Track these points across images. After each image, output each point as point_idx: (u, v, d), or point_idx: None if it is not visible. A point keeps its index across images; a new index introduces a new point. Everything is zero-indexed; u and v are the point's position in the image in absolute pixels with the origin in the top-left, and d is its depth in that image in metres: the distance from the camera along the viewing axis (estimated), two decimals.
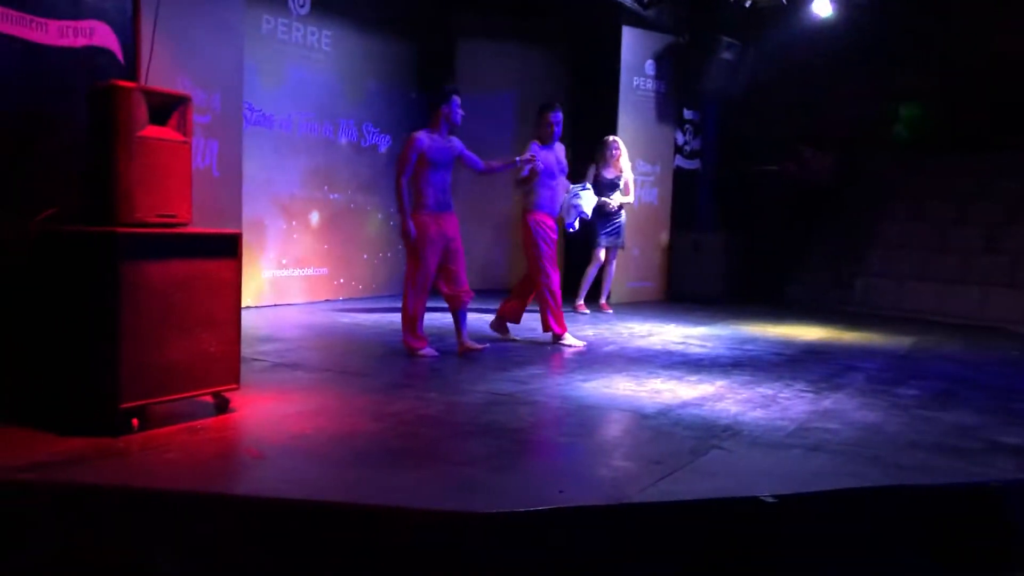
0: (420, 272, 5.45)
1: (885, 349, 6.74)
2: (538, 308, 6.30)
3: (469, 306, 5.75)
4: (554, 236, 6.32)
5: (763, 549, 3.00)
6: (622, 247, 8.51)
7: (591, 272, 8.44)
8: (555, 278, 6.23)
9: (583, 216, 6.99)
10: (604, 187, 8.24)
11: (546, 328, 6.30)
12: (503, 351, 6.04)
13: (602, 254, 8.37)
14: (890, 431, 4.06)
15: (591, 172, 8.31)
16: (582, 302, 8.43)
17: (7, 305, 3.79)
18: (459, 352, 5.69)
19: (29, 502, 2.89)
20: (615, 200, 8.25)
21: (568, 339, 6.27)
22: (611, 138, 8.42)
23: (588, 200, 6.96)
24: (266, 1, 7.62)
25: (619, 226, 8.38)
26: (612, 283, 8.78)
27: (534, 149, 6.25)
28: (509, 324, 6.56)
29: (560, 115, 6.38)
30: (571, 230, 6.96)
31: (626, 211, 8.51)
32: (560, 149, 6.51)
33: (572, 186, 6.90)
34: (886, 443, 3.83)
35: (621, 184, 8.34)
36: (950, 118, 10.18)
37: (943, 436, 4.00)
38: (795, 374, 5.42)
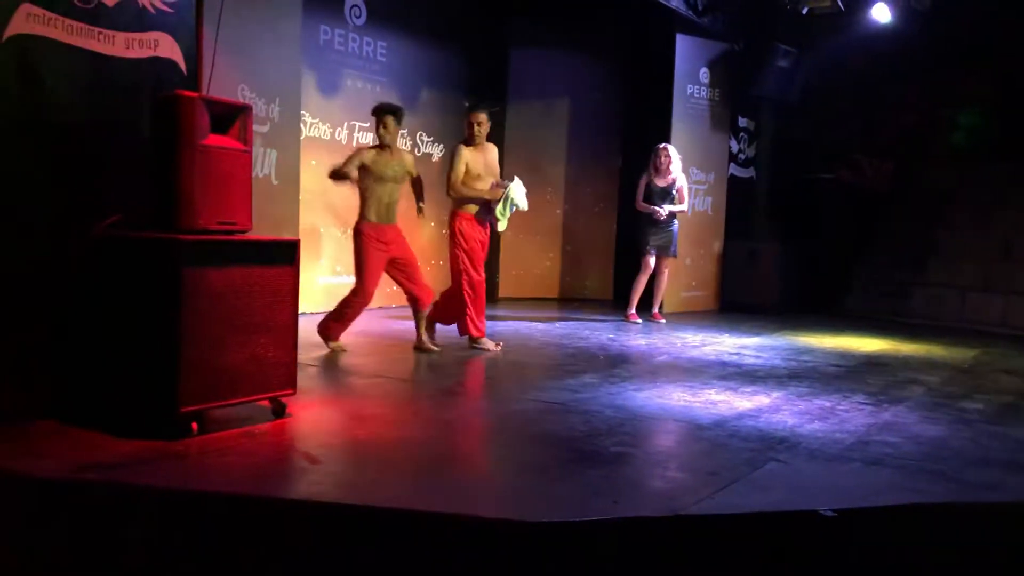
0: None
1: (947, 361, 6.58)
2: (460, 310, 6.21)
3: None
4: (481, 238, 6.15)
5: (822, 565, 2.94)
6: (673, 256, 8.41)
7: (641, 281, 8.38)
8: (476, 280, 6.10)
9: (519, 208, 6.31)
10: (655, 196, 8.19)
11: (463, 331, 6.21)
12: (555, 359, 6.03)
13: (651, 262, 8.29)
14: (955, 446, 3.95)
15: (642, 181, 8.27)
16: (634, 311, 8.37)
17: (73, 308, 3.88)
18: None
19: (90, 501, 2.95)
20: (664, 209, 8.17)
21: (484, 343, 6.19)
22: (661, 145, 8.35)
23: (519, 192, 6.28)
24: (324, 12, 7.73)
25: (670, 235, 8.29)
26: (665, 293, 8.71)
27: (465, 153, 6.00)
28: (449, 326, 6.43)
29: (484, 115, 6.07)
30: (500, 229, 6.38)
31: (680, 220, 8.43)
32: (489, 150, 6.21)
33: (503, 181, 6.31)
34: (951, 458, 3.73)
35: (674, 192, 8.27)
36: (1010, 126, 9.91)
37: (1012, 452, 3.89)
38: (853, 386, 5.31)
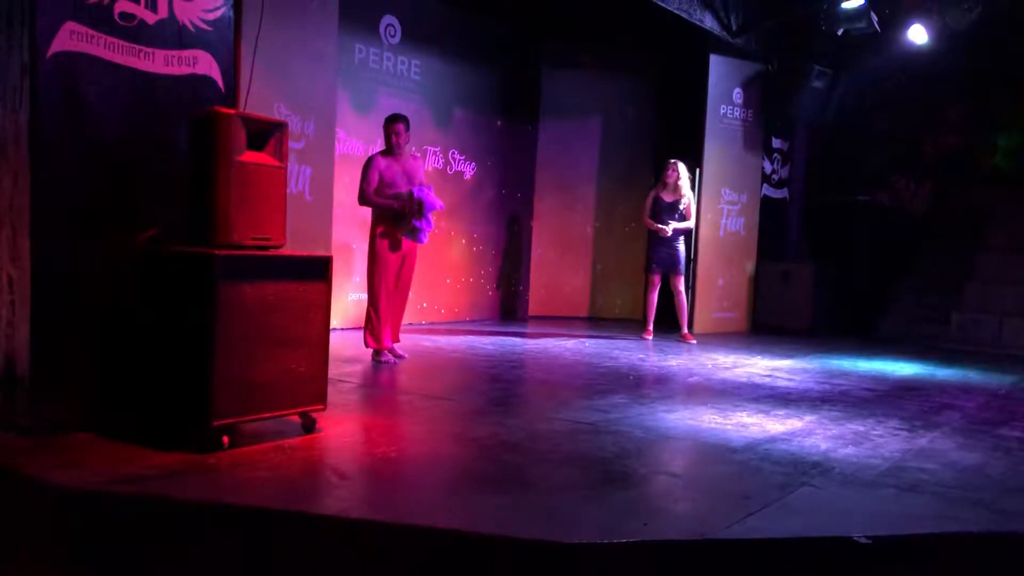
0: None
1: (984, 387, 6.46)
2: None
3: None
4: (403, 249, 6.09)
5: None
6: (681, 274, 8.35)
7: (651, 298, 8.43)
8: (382, 294, 6.03)
9: (435, 208, 6.10)
10: (663, 211, 8.21)
11: (367, 344, 6.14)
12: (584, 379, 6.00)
13: (656, 279, 8.33)
14: (993, 474, 3.87)
15: (650, 196, 8.30)
16: (649, 328, 8.45)
17: (108, 322, 3.93)
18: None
19: (122, 513, 2.98)
20: (670, 227, 8.17)
21: (385, 355, 6.14)
22: (671, 161, 8.38)
23: (427, 198, 6.04)
24: (359, 31, 7.82)
25: (674, 252, 8.28)
26: (696, 313, 8.66)
27: (379, 163, 5.97)
28: (395, 346, 6.37)
29: (401, 126, 6.00)
30: (422, 242, 6.20)
31: (711, 240, 8.40)
32: (411, 161, 6.19)
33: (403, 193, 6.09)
34: (989, 486, 3.65)
35: (681, 207, 8.26)
36: None
37: None
38: (888, 411, 5.23)
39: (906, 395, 5.89)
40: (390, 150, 6.07)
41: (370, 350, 6.17)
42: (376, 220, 6.06)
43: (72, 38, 3.75)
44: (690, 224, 8.38)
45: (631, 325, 9.29)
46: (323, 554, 2.82)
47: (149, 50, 4.08)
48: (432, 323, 8.90)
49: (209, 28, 4.35)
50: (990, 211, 9.94)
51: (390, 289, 6.11)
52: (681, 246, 8.33)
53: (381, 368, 5.96)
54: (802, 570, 2.88)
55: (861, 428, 4.68)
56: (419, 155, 6.70)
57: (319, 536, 2.86)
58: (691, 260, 9.46)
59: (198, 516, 2.95)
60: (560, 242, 10.43)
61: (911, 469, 3.85)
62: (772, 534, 2.93)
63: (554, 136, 10.28)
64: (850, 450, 4.15)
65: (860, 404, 5.42)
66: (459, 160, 9.16)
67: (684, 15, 8.31)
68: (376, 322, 6.08)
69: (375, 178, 5.96)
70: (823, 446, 4.20)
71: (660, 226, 8.17)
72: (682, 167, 8.32)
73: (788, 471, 3.69)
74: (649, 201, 8.31)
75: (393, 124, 6.03)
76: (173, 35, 4.19)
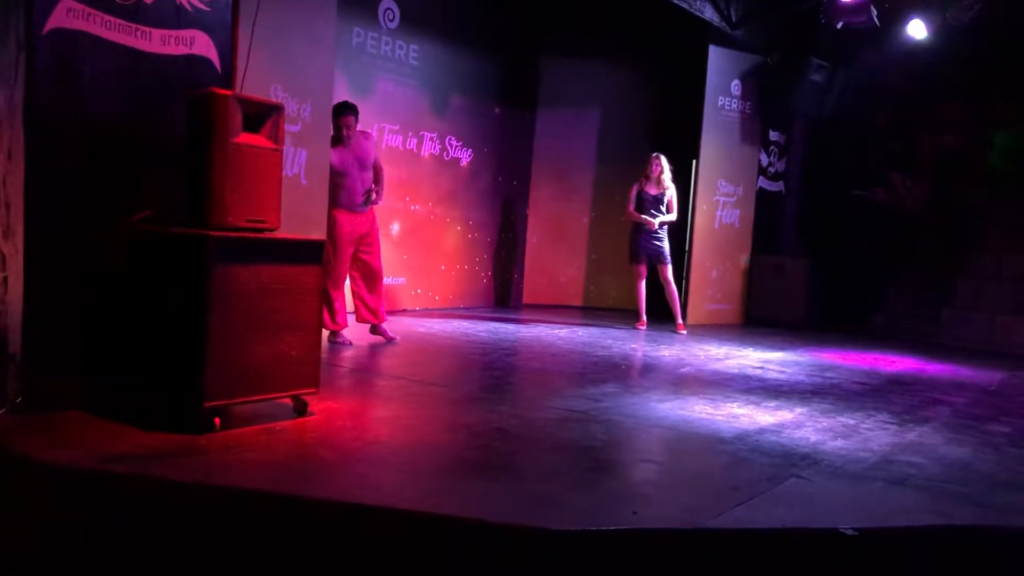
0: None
1: (974, 383, 6.49)
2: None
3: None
4: (357, 232, 6.22)
5: None
6: (666, 264, 8.35)
7: (640, 288, 8.46)
8: (340, 275, 6.19)
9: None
10: (648, 204, 8.23)
11: (323, 325, 6.19)
12: (576, 367, 6.02)
13: (642, 269, 8.37)
14: (980, 468, 3.89)
15: (633, 189, 8.30)
16: (643, 318, 8.48)
17: (102, 301, 3.93)
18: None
19: (112, 492, 2.98)
20: (657, 220, 8.21)
21: (341, 336, 6.24)
22: (654, 154, 8.41)
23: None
24: (357, 15, 7.78)
25: (660, 242, 8.30)
26: (690, 304, 8.68)
27: (333, 156, 6.07)
28: (383, 326, 6.50)
29: (352, 119, 6.16)
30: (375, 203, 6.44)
31: (706, 232, 8.41)
32: (361, 143, 6.29)
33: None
34: (976, 481, 3.67)
35: (665, 200, 8.28)
36: None
37: None
38: (878, 405, 5.25)
39: (896, 390, 5.92)
40: (340, 140, 6.18)
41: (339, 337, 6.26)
42: (331, 202, 6.15)
43: (69, 15, 3.73)
44: (673, 217, 8.41)
45: (625, 315, 9.30)
46: (312, 537, 2.83)
47: (146, 29, 4.06)
48: (426, 309, 8.90)
49: (207, 8, 4.34)
50: (985, 210, 9.96)
51: (345, 269, 6.24)
52: (666, 237, 8.36)
53: (374, 353, 5.96)
54: (789, 561, 2.90)
55: (851, 421, 4.70)
56: (370, 132, 6.77)
57: (308, 519, 2.86)
58: (686, 252, 9.48)
59: (188, 497, 2.96)
60: (556, 231, 10.43)
61: (899, 463, 3.87)
62: (760, 525, 2.94)
63: (552, 125, 10.27)
64: (839, 443, 4.17)
65: (850, 398, 5.45)
66: (456, 147, 9.14)
67: (684, 5, 8.30)
68: (336, 302, 6.19)
69: (332, 165, 6.09)
70: (813, 438, 4.22)
71: (647, 218, 8.19)
72: (664, 160, 8.35)
73: (777, 463, 3.71)
74: (633, 194, 8.33)
75: (344, 117, 6.14)
76: (170, 15, 4.17)
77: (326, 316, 6.14)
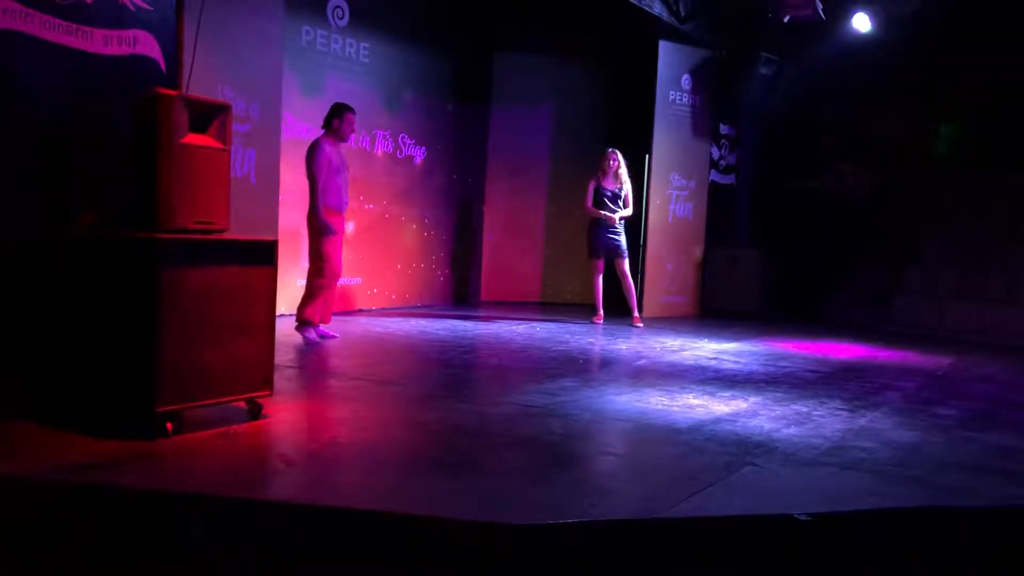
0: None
1: (923, 368, 6.63)
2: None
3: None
4: (339, 229, 6.30)
5: (796, 569, 2.95)
6: (623, 257, 8.42)
7: (597, 283, 8.53)
8: (337, 269, 6.30)
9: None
10: (606, 199, 8.29)
11: (309, 320, 6.30)
12: (535, 363, 6.03)
13: (600, 264, 8.44)
14: (929, 451, 3.98)
15: (591, 185, 8.35)
16: (600, 312, 8.55)
17: (47, 308, 3.84)
18: None
19: (60, 503, 2.92)
20: (617, 215, 8.29)
21: (323, 329, 6.38)
22: (610, 150, 8.48)
23: None
24: (306, 12, 7.71)
25: (617, 237, 8.36)
26: (645, 297, 8.76)
27: (326, 149, 6.12)
28: (325, 327, 6.52)
29: (353, 116, 6.37)
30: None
31: (660, 225, 8.48)
32: (338, 144, 6.38)
33: None
34: (925, 463, 3.76)
35: (622, 195, 8.35)
36: (991, 136, 10.02)
37: (985, 457, 3.92)
38: (830, 392, 5.34)
39: (848, 377, 6.02)
40: (342, 139, 6.34)
41: (318, 330, 6.32)
42: (323, 204, 6.11)
43: (5, 15, 3.64)
44: (630, 211, 8.47)
45: (582, 310, 9.35)
46: (268, 540, 2.80)
47: (87, 29, 3.98)
48: (383, 309, 8.85)
49: (150, 8, 4.26)
50: (932, 197, 10.18)
51: (330, 263, 6.28)
52: (623, 231, 8.41)
53: (330, 354, 5.92)
54: (746, 547, 2.94)
55: (804, 409, 4.78)
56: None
57: (264, 522, 2.83)
58: (641, 245, 9.54)
59: (142, 504, 2.91)
60: (512, 227, 10.44)
61: (851, 448, 3.94)
62: (717, 512, 2.98)
63: (506, 121, 10.27)
64: (793, 430, 4.23)
65: (803, 386, 5.53)
66: (409, 144, 9.10)
67: (634, 0, 8.34)
68: (317, 298, 6.22)
69: (324, 164, 6.11)
70: (767, 427, 4.28)
71: (607, 213, 8.24)
72: (620, 156, 8.41)
73: (733, 451, 3.75)
74: (591, 189, 8.37)
75: (349, 114, 6.27)
76: (112, 14, 4.09)
77: (318, 310, 6.26)
